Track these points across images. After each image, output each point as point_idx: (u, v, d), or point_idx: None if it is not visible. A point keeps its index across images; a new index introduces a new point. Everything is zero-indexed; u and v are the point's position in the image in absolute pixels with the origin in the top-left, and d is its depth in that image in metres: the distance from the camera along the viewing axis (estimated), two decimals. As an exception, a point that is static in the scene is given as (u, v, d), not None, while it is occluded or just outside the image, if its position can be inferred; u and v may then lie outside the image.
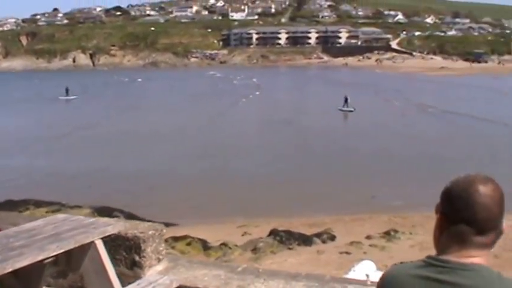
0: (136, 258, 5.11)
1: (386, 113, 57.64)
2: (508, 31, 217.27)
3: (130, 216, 19.95)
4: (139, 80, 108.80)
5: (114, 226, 4.94)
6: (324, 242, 20.37)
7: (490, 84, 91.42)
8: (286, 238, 20.05)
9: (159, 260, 5.24)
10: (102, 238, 4.74)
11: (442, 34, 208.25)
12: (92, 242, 4.67)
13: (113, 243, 5.05)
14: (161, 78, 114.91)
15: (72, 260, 4.78)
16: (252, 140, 43.62)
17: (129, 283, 4.88)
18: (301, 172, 32.29)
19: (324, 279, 4.95)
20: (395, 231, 20.96)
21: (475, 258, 2.12)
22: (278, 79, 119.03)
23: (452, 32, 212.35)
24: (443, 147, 39.05)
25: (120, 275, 4.90)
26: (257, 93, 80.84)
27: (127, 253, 5.12)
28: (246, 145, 41.16)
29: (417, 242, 19.58)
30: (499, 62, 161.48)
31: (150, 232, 5.16)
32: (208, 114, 55.88)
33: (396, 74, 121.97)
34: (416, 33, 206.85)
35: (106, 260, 4.72)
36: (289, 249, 19.29)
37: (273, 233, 20.59)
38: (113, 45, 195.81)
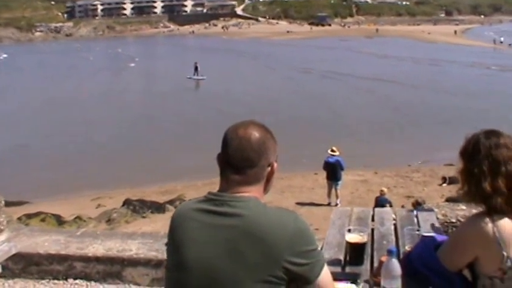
0: (-22, 231, 5.25)
1: (254, 79, 58.59)
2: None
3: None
4: (5, 55, 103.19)
5: (-47, 202, 5.09)
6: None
7: (345, 46, 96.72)
8: (139, 207, 20.30)
9: (0, 231, 5.39)
10: None
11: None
12: None
13: (-47, 219, 5.17)
14: (25, 53, 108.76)
15: None
16: (111, 114, 42.27)
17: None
18: (152, 142, 32.44)
19: (158, 235, 5.33)
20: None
21: (245, 193, 2.44)
22: (140, 49, 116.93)
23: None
24: (314, 107, 40.72)
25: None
26: (132, 64, 79.32)
27: (-32, 227, 5.25)
28: (103, 119, 40.20)
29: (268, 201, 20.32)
30: (344, 25, 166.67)
31: (-11, 205, 5.32)
32: (87, 88, 54.34)
33: (244, 39, 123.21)
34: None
35: None
36: (143, 217, 19.55)
37: (127, 202, 20.77)
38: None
